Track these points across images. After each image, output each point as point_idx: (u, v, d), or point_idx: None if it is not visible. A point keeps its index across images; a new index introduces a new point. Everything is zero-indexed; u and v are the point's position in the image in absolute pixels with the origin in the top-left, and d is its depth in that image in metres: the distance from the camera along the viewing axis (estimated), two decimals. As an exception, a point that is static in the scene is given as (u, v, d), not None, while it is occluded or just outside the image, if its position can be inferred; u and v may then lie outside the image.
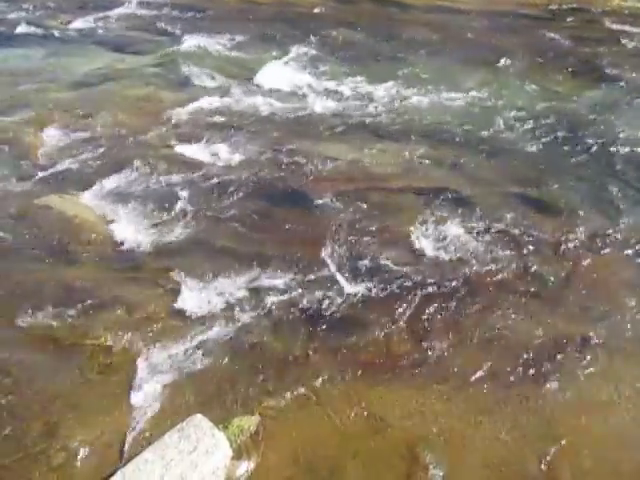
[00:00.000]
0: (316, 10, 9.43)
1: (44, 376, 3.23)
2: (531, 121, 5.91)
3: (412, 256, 4.09)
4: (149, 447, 2.70)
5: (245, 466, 2.78)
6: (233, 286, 3.79)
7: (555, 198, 4.73)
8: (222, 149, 5.38)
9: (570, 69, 7.27)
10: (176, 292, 3.76)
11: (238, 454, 2.80)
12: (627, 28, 8.62)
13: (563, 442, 2.91)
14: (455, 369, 3.29)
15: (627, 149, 5.42)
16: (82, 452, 2.82)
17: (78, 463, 2.78)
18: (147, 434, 2.90)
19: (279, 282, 3.83)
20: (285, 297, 3.73)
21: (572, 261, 4.07)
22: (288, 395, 3.11)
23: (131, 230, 4.31)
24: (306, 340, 3.45)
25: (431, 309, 3.66)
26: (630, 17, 9.06)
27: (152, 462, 2.60)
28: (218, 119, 5.99)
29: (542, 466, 2.81)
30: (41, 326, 3.52)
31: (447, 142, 5.57)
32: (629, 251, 4.16)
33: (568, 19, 9.05)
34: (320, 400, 3.09)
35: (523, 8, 9.47)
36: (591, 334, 3.50)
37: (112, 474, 2.61)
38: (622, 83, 6.86)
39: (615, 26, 8.69)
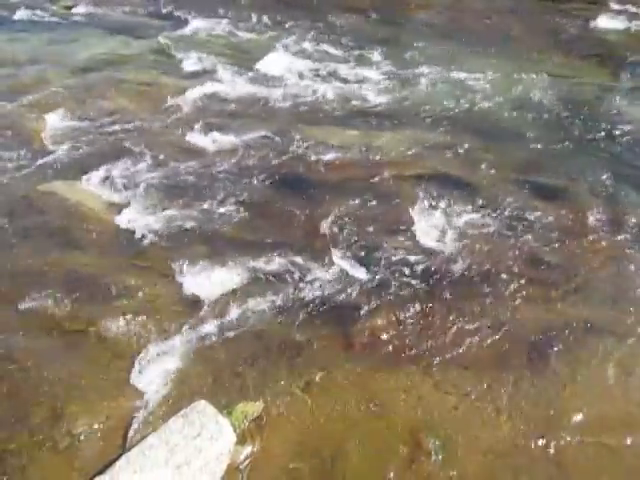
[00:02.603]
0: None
1: (49, 362, 3.24)
2: (537, 106, 5.85)
3: (415, 242, 4.07)
4: (154, 432, 2.71)
5: (249, 451, 2.79)
6: (236, 273, 3.79)
7: (561, 183, 4.69)
8: (225, 135, 5.34)
9: (577, 53, 7.18)
10: (180, 279, 3.76)
11: (242, 439, 2.81)
12: (635, 10, 8.50)
13: (566, 426, 2.91)
14: (459, 354, 3.28)
15: (634, 133, 5.35)
16: (87, 437, 2.84)
17: (83, 448, 2.80)
18: (151, 420, 2.91)
19: (282, 269, 3.83)
20: (288, 283, 3.72)
21: (577, 246, 4.05)
22: (291, 381, 3.12)
23: (134, 216, 4.30)
24: (309, 326, 3.45)
25: (434, 295, 3.65)
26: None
27: (156, 447, 2.62)
28: (221, 105, 5.95)
29: (545, 450, 2.81)
30: (46, 312, 3.53)
31: (452, 127, 5.52)
32: (634, 235, 4.13)
33: (576, 2, 8.91)
34: (323, 386, 3.10)
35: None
36: (597, 319, 3.49)
37: (117, 459, 2.63)
38: (630, 67, 6.77)
39: (623, 8, 8.56)
